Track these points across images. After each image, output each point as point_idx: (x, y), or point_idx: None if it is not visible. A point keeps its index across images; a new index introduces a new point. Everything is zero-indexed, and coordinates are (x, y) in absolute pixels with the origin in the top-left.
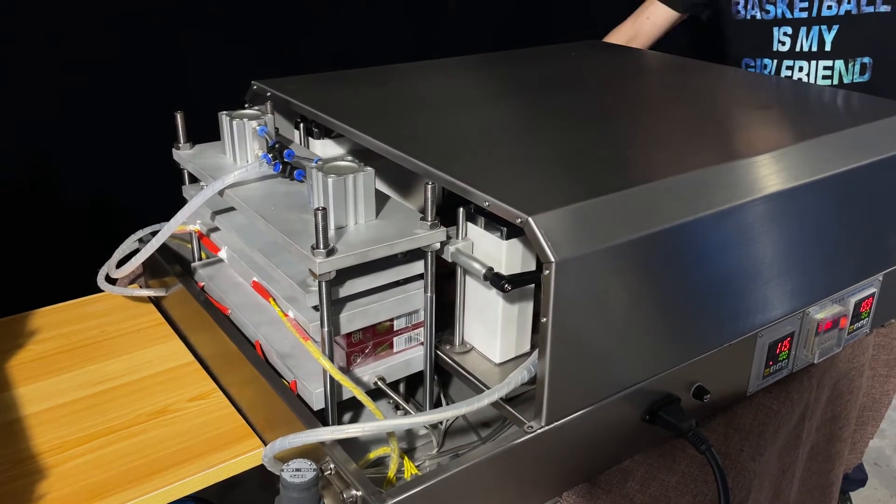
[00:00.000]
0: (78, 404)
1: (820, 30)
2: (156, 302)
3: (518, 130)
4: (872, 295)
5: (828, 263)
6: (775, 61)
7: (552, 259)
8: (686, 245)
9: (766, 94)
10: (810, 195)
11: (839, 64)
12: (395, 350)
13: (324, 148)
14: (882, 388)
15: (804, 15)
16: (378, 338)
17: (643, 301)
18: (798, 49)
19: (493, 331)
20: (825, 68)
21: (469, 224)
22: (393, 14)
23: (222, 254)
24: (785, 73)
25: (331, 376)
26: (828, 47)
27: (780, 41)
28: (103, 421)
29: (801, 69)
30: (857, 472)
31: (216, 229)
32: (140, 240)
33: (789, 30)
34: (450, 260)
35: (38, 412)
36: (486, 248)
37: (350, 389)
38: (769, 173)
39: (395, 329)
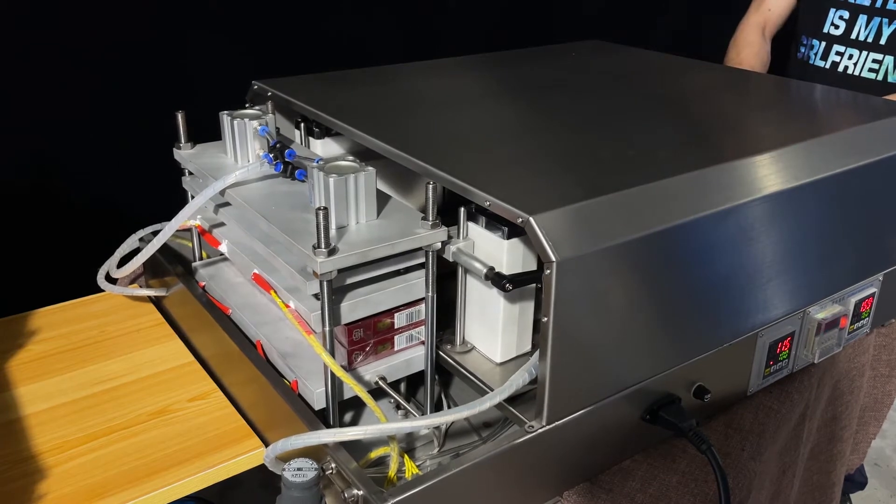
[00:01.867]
0: (78, 404)
1: (881, 21)
2: (156, 302)
3: (519, 130)
4: (872, 295)
5: (828, 263)
6: (824, 44)
7: (553, 259)
8: (686, 245)
9: (766, 94)
10: (810, 195)
11: (889, 60)
12: (395, 349)
13: (325, 148)
14: (884, 388)
15: (866, 3)
16: (379, 336)
17: (644, 301)
18: (853, 37)
19: (494, 330)
20: (874, 61)
21: (470, 224)
22: (393, 14)
23: (223, 247)
24: (833, 58)
25: (332, 375)
26: (883, 41)
27: (832, 24)
28: (103, 421)
29: (850, 57)
30: (859, 474)
31: (217, 224)
32: (141, 239)
33: (846, 14)
34: (451, 259)
35: (38, 412)
36: (486, 248)
37: (352, 387)
38: (769, 173)
39: (395, 327)
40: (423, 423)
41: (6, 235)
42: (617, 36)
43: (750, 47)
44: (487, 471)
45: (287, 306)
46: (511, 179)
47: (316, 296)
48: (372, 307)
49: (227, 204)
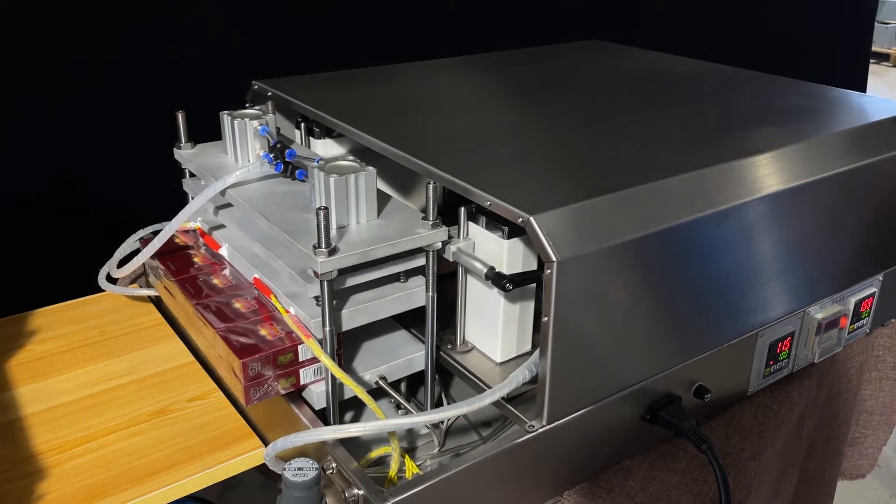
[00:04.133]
0: (78, 404)
1: None
2: (156, 302)
3: (519, 130)
4: (872, 295)
5: (828, 263)
6: None
7: (553, 258)
8: (686, 245)
9: (766, 94)
10: (810, 195)
11: None
12: (301, 382)
13: (325, 147)
14: (892, 392)
15: None
16: (280, 370)
17: (644, 300)
18: None
19: (494, 330)
20: None
21: (470, 223)
22: (393, 14)
23: (223, 251)
24: None
25: (332, 375)
26: None
27: None
28: (103, 421)
29: None
30: None
31: (217, 226)
32: (141, 239)
33: None
34: (451, 259)
35: (38, 412)
36: (487, 248)
37: (352, 388)
38: (769, 173)
39: (300, 360)
40: (422, 419)
41: (6, 236)
42: (613, 38)
43: None
44: (488, 470)
45: (287, 312)
46: (511, 179)
47: (317, 299)
48: (371, 315)
49: (226, 208)
